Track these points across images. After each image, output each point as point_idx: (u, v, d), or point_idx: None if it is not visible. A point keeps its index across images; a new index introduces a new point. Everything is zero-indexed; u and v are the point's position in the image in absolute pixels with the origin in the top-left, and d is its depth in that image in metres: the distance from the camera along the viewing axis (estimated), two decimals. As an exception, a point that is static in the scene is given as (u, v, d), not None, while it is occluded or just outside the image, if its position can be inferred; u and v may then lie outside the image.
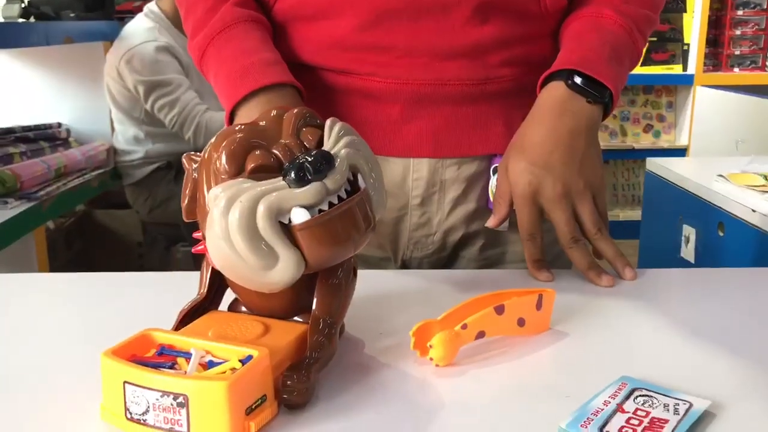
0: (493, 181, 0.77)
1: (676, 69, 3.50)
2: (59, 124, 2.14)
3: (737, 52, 3.53)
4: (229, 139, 0.47)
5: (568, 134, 0.70)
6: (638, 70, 3.44)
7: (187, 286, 0.57)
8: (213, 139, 0.48)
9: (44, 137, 2.02)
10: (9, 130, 1.92)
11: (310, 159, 0.46)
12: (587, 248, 0.71)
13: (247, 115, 0.69)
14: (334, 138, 0.49)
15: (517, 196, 0.70)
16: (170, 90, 2.14)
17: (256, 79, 0.69)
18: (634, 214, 3.52)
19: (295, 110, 0.49)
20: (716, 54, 3.57)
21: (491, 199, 0.77)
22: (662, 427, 0.44)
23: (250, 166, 0.46)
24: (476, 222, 0.80)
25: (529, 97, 0.75)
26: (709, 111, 2.65)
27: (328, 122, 0.50)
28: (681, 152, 3.47)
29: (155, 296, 0.68)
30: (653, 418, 0.45)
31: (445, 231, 0.80)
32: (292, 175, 0.46)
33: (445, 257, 0.82)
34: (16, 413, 0.48)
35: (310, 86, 0.74)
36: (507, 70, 0.75)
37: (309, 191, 0.46)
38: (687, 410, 0.46)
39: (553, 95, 0.72)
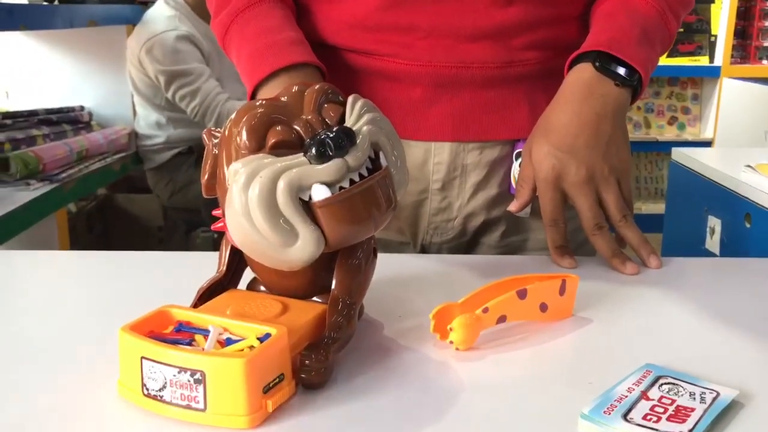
0: (515, 166, 0.76)
1: (703, 61, 3.44)
2: (82, 108, 2.15)
3: (766, 44, 3.46)
4: (250, 114, 0.46)
5: (594, 117, 0.68)
6: (664, 61, 3.40)
7: (207, 265, 0.57)
8: (233, 115, 0.47)
9: (67, 120, 2.03)
10: (32, 113, 1.93)
11: (331, 135, 0.45)
12: (611, 235, 0.70)
13: (268, 94, 0.68)
14: (356, 115, 0.48)
15: (540, 180, 0.69)
16: (191, 80, 2.14)
17: (279, 58, 0.69)
18: (657, 207, 3.48)
19: (317, 86, 0.48)
20: (744, 46, 3.51)
21: (514, 184, 0.76)
22: (688, 416, 0.43)
23: (270, 141, 0.45)
24: (498, 208, 0.79)
25: (555, 81, 0.73)
26: (735, 104, 2.61)
27: (350, 99, 0.49)
28: (706, 145, 3.42)
29: (175, 275, 0.68)
30: (679, 406, 0.44)
31: (465, 216, 0.78)
32: (313, 151, 0.45)
33: (465, 243, 0.81)
34: (34, 388, 0.48)
35: (331, 67, 0.73)
36: (532, 53, 0.74)
37: (330, 168, 0.45)
38: (714, 399, 0.45)
39: (580, 77, 0.70)
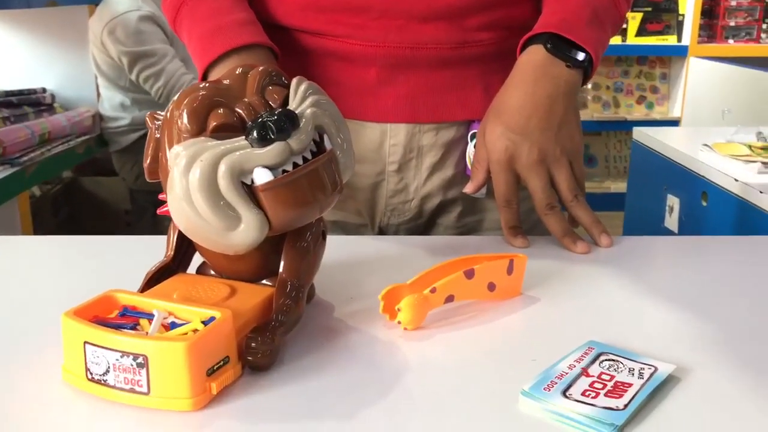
0: (470, 147, 0.76)
1: (671, 40, 3.47)
2: (43, 90, 2.11)
3: (732, 24, 3.50)
4: (191, 96, 0.46)
5: (546, 99, 0.69)
6: (632, 40, 3.43)
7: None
8: (175, 97, 0.47)
9: (28, 102, 1.99)
10: (-8, 95, 1.90)
11: (273, 118, 0.45)
12: (563, 215, 0.71)
13: (219, 75, 0.68)
14: (300, 97, 0.48)
15: (494, 162, 0.70)
16: (155, 61, 2.11)
17: (229, 39, 0.68)
18: (625, 186, 3.52)
19: (260, 68, 0.48)
20: (711, 25, 3.55)
21: (469, 165, 0.76)
22: (626, 391, 0.44)
23: (212, 124, 0.45)
24: (454, 189, 0.79)
25: (509, 62, 0.73)
26: (702, 83, 2.63)
27: (294, 81, 0.49)
28: (674, 124, 3.46)
29: (134, 259, 0.68)
30: (617, 381, 0.45)
31: (422, 197, 0.79)
32: (255, 134, 0.45)
33: (423, 224, 0.82)
34: (-23, 374, 0.48)
35: (285, 48, 0.73)
36: (485, 34, 0.74)
37: (272, 151, 0.45)
38: (651, 374, 0.46)
39: (531, 59, 0.71)
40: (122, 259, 0.69)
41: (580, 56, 0.70)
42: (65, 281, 0.64)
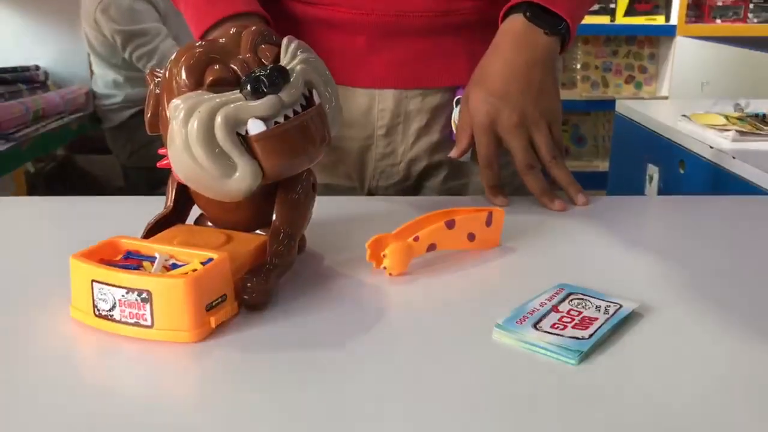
0: (455, 112, 0.80)
1: (659, 20, 3.49)
2: (37, 67, 2.13)
3: (720, 3, 3.53)
4: (189, 53, 0.49)
5: (524, 65, 0.72)
6: (621, 20, 3.45)
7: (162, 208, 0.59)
8: (173, 55, 0.50)
9: (22, 80, 2.02)
10: (-14, 72, 1.92)
11: (265, 73, 0.48)
12: (541, 175, 0.74)
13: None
14: (290, 55, 0.52)
15: (476, 125, 0.73)
16: (148, 39, 2.13)
17: (223, 7, 0.71)
18: (613, 164, 3.55)
19: (253, 28, 0.51)
20: (699, 5, 3.57)
21: (454, 130, 0.80)
22: (591, 324, 0.48)
23: (208, 79, 0.48)
24: (439, 153, 0.83)
25: (492, 31, 0.77)
26: (688, 62, 2.67)
27: (285, 40, 0.53)
28: (661, 103, 3.49)
29: (129, 216, 0.71)
30: (585, 316, 0.49)
31: (409, 161, 0.83)
32: (248, 87, 0.48)
33: (410, 186, 0.85)
34: (-9, 314, 0.51)
35: (277, 17, 0.76)
36: (469, 2, 0.78)
37: (264, 104, 0.48)
38: (616, 311, 0.50)
39: (511, 27, 0.74)
40: (121, 216, 0.72)
41: (558, 24, 0.73)
42: (67, 235, 0.68)
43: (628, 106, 1.43)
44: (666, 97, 3.48)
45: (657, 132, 1.31)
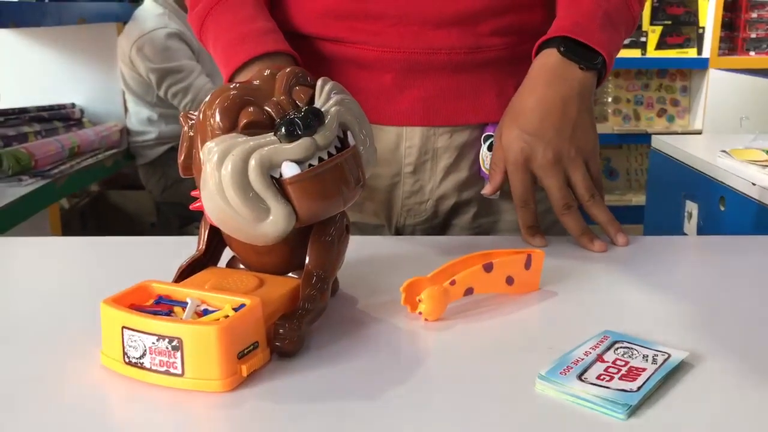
0: (484, 149, 0.78)
1: (691, 53, 3.46)
2: (73, 105, 2.17)
3: (753, 36, 3.49)
4: (223, 96, 0.49)
5: (560, 101, 0.71)
6: (652, 53, 3.43)
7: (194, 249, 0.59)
8: (207, 98, 0.50)
9: (58, 117, 2.05)
10: (23, 110, 1.95)
11: (300, 115, 0.48)
12: (579, 214, 0.72)
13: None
14: (325, 96, 0.51)
15: (510, 163, 0.72)
16: (182, 77, 2.16)
17: (253, 47, 0.71)
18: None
19: (288, 69, 0.51)
20: (732, 38, 3.54)
21: (483, 167, 0.79)
22: (639, 375, 0.46)
23: (242, 122, 0.48)
24: (468, 190, 0.81)
25: (522, 66, 0.76)
26: (723, 95, 2.63)
27: (319, 81, 0.52)
28: (694, 136, 3.44)
29: (161, 257, 0.70)
30: (631, 367, 0.47)
31: (437, 198, 0.81)
32: (283, 130, 0.47)
33: (438, 225, 0.84)
34: (21, 359, 0.50)
35: (305, 56, 0.76)
36: (498, 39, 0.77)
37: (299, 146, 0.47)
38: (665, 360, 0.48)
39: (545, 63, 0.73)
40: (153, 257, 0.71)
41: (594, 58, 0.72)
42: (99, 277, 0.67)
43: (664, 141, 1.41)
44: (699, 131, 3.43)
45: (695, 168, 1.28)
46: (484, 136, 0.78)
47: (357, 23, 0.75)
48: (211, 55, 0.76)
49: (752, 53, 3.49)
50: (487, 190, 0.75)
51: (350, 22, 0.75)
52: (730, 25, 3.51)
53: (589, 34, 0.71)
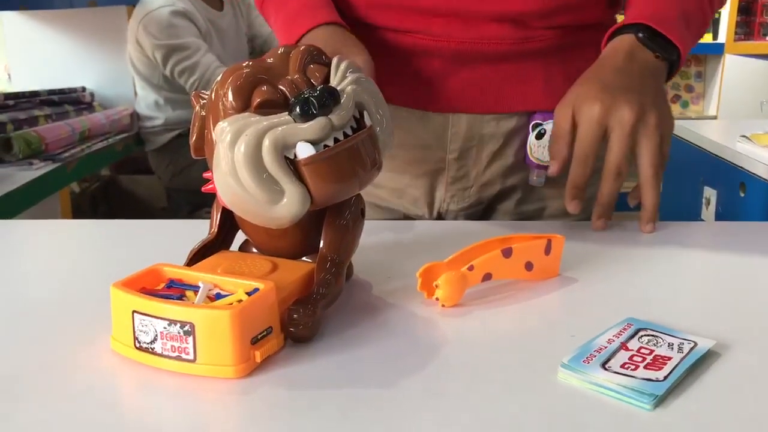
0: (532, 137, 0.77)
1: (707, 38, 3.41)
2: (83, 89, 2.16)
3: (770, 20, 3.43)
4: (236, 74, 0.47)
5: (638, 73, 0.68)
6: (667, 38, 3.39)
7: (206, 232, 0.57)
8: (219, 77, 0.48)
9: (69, 101, 2.04)
10: (34, 94, 1.95)
11: (315, 94, 0.46)
12: (620, 187, 0.68)
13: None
14: (341, 75, 0.49)
15: (586, 119, 0.65)
16: (189, 54, 2.13)
17: (308, 20, 0.71)
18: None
19: (302, 47, 0.49)
20: (748, 22, 3.48)
21: (530, 155, 0.77)
22: (665, 364, 0.44)
23: (256, 101, 0.46)
24: (513, 177, 0.80)
25: (571, 53, 0.75)
26: (738, 80, 2.60)
27: (334, 60, 0.50)
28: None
29: (173, 240, 0.69)
30: (657, 355, 0.45)
31: (481, 185, 0.80)
32: (297, 109, 0.46)
33: (481, 210, 0.83)
34: (30, 343, 0.49)
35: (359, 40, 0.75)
36: (550, 32, 0.75)
37: (314, 126, 0.46)
38: (691, 349, 0.46)
39: (620, 46, 0.70)
40: (165, 240, 0.70)
41: (671, 51, 0.69)
42: (109, 260, 0.66)
43: (682, 126, 1.38)
44: (714, 117, 3.39)
45: (714, 153, 1.25)
46: (532, 124, 0.77)
47: (406, 14, 0.74)
48: (275, 32, 0.77)
49: (769, 38, 3.43)
50: (553, 168, 0.69)
51: (399, 14, 0.74)
52: (746, 9, 3.45)
53: (669, 25, 0.69)
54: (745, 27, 3.46)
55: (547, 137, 0.75)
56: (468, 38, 0.74)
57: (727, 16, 3.30)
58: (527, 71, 0.76)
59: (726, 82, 2.89)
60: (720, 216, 1.22)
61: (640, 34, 0.69)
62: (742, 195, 1.15)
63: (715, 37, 3.38)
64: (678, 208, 1.43)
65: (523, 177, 0.79)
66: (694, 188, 1.31)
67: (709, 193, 1.25)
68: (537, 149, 0.76)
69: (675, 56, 0.70)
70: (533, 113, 0.77)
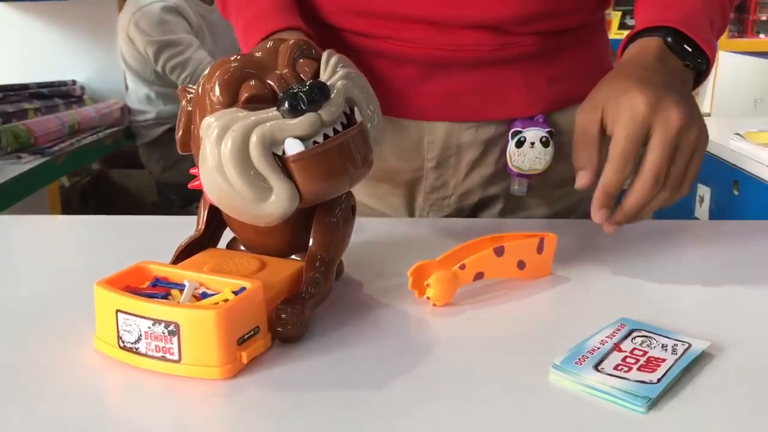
0: (511, 145, 0.74)
1: (700, 35, 3.42)
2: (74, 82, 2.14)
3: (763, 18, 3.44)
4: (223, 68, 0.46)
5: (677, 78, 0.61)
6: (660, 35, 3.39)
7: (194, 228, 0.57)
8: (206, 71, 0.47)
9: (59, 94, 2.02)
10: (24, 86, 1.93)
11: (304, 89, 0.45)
12: (651, 198, 0.58)
13: None
14: (331, 70, 0.48)
15: (628, 117, 0.56)
16: (181, 50, 2.11)
17: (264, 26, 0.68)
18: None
19: (291, 41, 0.48)
20: (741, 20, 3.49)
21: (510, 164, 0.75)
22: (659, 366, 0.44)
23: (243, 96, 0.45)
24: (494, 186, 0.78)
25: (553, 58, 0.72)
26: (732, 78, 2.60)
27: (324, 54, 0.49)
28: (702, 120, 3.41)
29: (160, 236, 0.68)
30: (650, 357, 0.45)
31: (461, 194, 0.78)
32: (286, 105, 0.45)
33: (462, 220, 0.81)
34: (13, 343, 0.48)
35: (326, 44, 0.72)
36: (530, 38, 0.72)
37: (303, 122, 0.45)
38: (685, 350, 0.46)
39: (647, 46, 0.62)
40: (152, 236, 0.69)
41: (699, 59, 0.62)
42: (96, 256, 0.65)
43: (675, 124, 1.38)
44: (708, 114, 3.39)
45: (708, 151, 1.25)
46: (512, 131, 0.74)
47: (381, 21, 0.71)
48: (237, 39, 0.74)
49: (762, 35, 3.43)
50: (583, 180, 0.59)
51: (374, 20, 0.72)
52: (740, 7, 3.45)
53: (699, 30, 0.62)
54: (739, 24, 3.46)
55: (527, 145, 0.73)
56: (445, 45, 0.71)
57: (720, 13, 3.30)
58: (506, 78, 0.74)
59: (720, 80, 2.88)
60: (713, 214, 1.22)
61: (669, 39, 0.62)
62: (736, 193, 1.15)
63: (708, 34, 3.38)
64: (672, 206, 1.42)
65: (505, 186, 0.77)
66: (688, 186, 1.31)
67: (703, 191, 1.25)
68: (517, 158, 0.74)
69: (704, 66, 0.63)
70: (513, 121, 0.75)
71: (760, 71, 2.29)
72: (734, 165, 1.14)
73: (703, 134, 0.58)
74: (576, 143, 0.60)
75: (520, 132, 0.73)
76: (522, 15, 0.70)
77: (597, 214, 0.58)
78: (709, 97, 3.41)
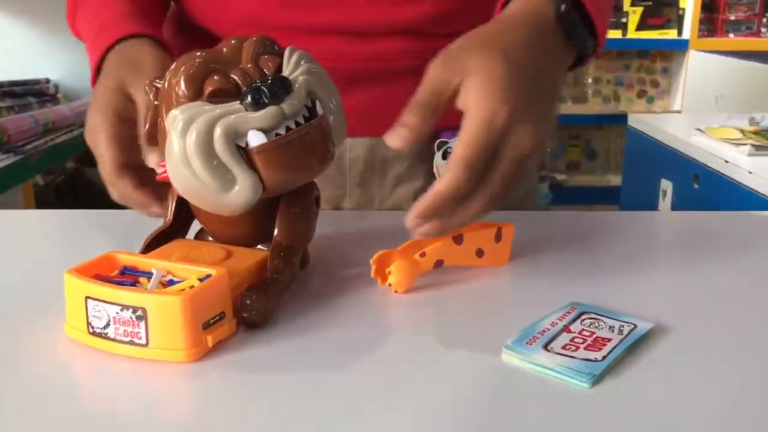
0: (438, 156, 0.73)
1: (671, 34, 3.47)
2: (47, 80, 2.14)
3: (732, 18, 3.50)
4: (188, 64, 0.48)
5: (549, 63, 0.54)
6: (633, 34, 3.43)
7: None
8: (172, 66, 0.49)
9: (32, 93, 2.02)
10: (-4, 85, 1.92)
11: (266, 83, 0.47)
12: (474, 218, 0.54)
13: (107, 73, 0.62)
14: (293, 65, 0.50)
15: (491, 119, 0.50)
16: None
17: (112, 33, 0.64)
18: (625, 179, 3.52)
19: (255, 37, 0.50)
20: (712, 19, 3.55)
21: (437, 175, 0.72)
22: (604, 345, 0.46)
23: (208, 90, 0.47)
24: None
25: None
26: (701, 76, 2.65)
27: (287, 50, 0.51)
28: (673, 117, 3.46)
29: (129, 229, 0.70)
30: (597, 337, 0.47)
31: (389, 209, 0.77)
32: (249, 98, 0.47)
33: None
34: (-16, 330, 0.50)
35: None
36: (448, 41, 0.56)
37: (265, 114, 0.47)
38: (630, 331, 0.48)
39: (533, 10, 0.55)
40: (121, 229, 0.71)
41: (587, 40, 0.57)
42: (68, 249, 0.66)
43: (640, 120, 1.41)
44: (679, 112, 3.45)
45: (670, 146, 1.28)
46: (437, 142, 0.72)
47: (285, 33, 0.63)
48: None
49: (732, 35, 3.50)
50: (400, 143, 0.52)
51: (277, 33, 0.58)
52: (710, 6, 3.52)
53: (596, 7, 0.56)
54: (709, 24, 3.52)
55: None
56: (361, 56, 0.68)
57: (691, 12, 3.36)
58: None
59: (690, 78, 2.94)
60: (675, 208, 1.26)
61: (563, 7, 0.55)
62: (696, 186, 1.18)
63: (679, 33, 3.44)
64: (636, 199, 1.46)
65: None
66: (652, 180, 1.34)
67: (666, 185, 1.29)
68: (444, 169, 0.69)
69: (589, 51, 0.58)
70: (439, 132, 0.71)
71: (726, 70, 2.34)
72: (695, 160, 1.18)
73: (535, 160, 0.53)
74: (420, 100, 0.52)
75: (447, 143, 0.71)
76: (436, 15, 0.68)
77: (413, 221, 0.52)
78: (680, 95, 3.47)
